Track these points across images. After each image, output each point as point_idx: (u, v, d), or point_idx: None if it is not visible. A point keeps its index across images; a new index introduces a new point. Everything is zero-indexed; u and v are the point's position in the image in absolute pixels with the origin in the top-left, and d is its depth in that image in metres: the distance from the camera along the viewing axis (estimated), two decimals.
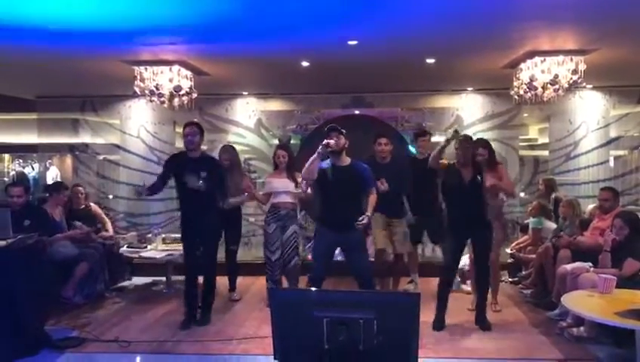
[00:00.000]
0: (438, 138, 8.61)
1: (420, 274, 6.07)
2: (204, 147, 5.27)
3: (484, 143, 5.22)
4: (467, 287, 5.84)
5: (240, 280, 6.05)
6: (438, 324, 4.74)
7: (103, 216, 6.73)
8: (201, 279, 5.01)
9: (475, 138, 5.03)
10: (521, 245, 6.44)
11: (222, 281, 5.78)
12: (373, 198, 4.51)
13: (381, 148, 5.35)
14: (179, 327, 4.80)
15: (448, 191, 4.82)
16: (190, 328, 4.80)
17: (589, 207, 6.12)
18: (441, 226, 5.90)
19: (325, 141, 4.29)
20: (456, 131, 4.71)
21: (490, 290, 5.20)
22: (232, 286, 5.96)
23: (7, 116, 9.31)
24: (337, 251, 4.77)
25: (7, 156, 13.30)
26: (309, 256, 7.45)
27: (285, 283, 5.61)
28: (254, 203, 6.05)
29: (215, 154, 5.88)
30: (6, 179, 12.92)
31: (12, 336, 4.01)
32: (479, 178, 4.65)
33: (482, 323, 4.77)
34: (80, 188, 6.59)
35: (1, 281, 3.97)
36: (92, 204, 6.70)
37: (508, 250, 6.58)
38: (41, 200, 6.50)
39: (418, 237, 5.94)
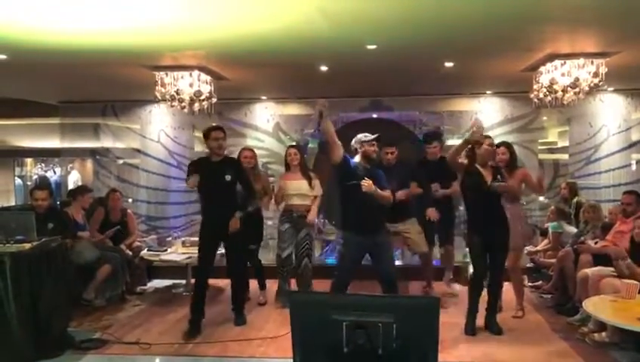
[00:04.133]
0: (458, 142, 8.62)
1: (436, 278, 6.09)
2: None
3: (506, 145, 5.23)
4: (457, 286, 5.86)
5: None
6: (471, 329, 4.71)
7: (135, 226, 6.66)
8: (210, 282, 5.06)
9: (495, 141, 5.01)
10: (541, 249, 6.39)
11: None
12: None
13: (387, 157, 5.43)
14: (184, 337, 4.67)
15: (469, 192, 4.76)
16: (197, 336, 4.70)
17: (609, 207, 6.07)
18: (451, 228, 5.95)
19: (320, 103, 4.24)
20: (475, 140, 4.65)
21: (515, 296, 5.19)
22: (262, 286, 5.94)
23: (31, 121, 9.48)
24: None
25: (29, 160, 13.55)
26: (327, 260, 7.49)
27: (294, 286, 5.65)
28: (272, 206, 6.08)
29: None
30: (29, 183, 13.18)
31: (36, 338, 4.09)
32: (499, 178, 4.62)
33: (492, 328, 4.72)
34: (117, 194, 6.47)
35: (25, 283, 4.04)
36: (129, 212, 6.64)
37: (526, 249, 6.52)
38: (63, 204, 6.60)
39: (430, 238, 5.91)
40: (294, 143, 7.13)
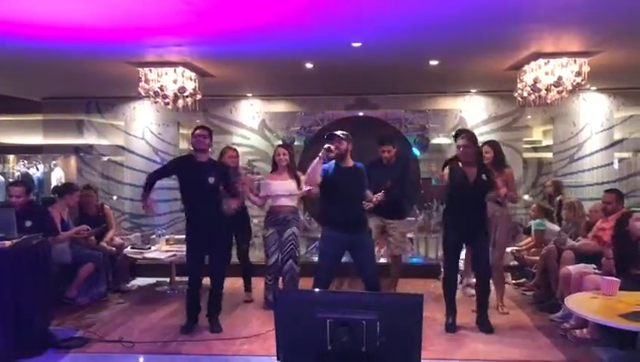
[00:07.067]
0: (443, 140, 8.67)
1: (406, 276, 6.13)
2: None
3: (490, 143, 5.24)
4: (472, 290, 5.83)
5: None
6: (450, 327, 4.72)
7: (112, 220, 6.56)
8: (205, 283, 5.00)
9: (480, 139, 5.01)
10: (524, 247, 6.44)
11: (234, 282, 5.84)
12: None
13: (385, 155, 5.41)
14: (180, 331, 4.71)
15: (451, 190, 4.73)
16: (191, 333, 4.70)
17: (589, 206, 6.12)
18: None
19: (326, 145, 4.18)
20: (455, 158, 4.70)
21: (495, 292, 5.21)
22: (248, 287, 5.86)
23: (13, 117, 9.37)
24: None
25: (11, 157, 13.37)
26: (314, 258, 7.47)
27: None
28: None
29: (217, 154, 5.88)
30: (11, 179, 13.00)
31: (17, 336, 4.03)
32: (484, 177, 4.63)
33: (484, 326, 4.74)
34: (91, 191, 6.37)
35: (6, 281, 3.98)
36: (105, 206, 6.56)
37: (509, 249, 6.57)
38: (47, 201, 6.50)
39: None
40: (283, 142, 7.08)
